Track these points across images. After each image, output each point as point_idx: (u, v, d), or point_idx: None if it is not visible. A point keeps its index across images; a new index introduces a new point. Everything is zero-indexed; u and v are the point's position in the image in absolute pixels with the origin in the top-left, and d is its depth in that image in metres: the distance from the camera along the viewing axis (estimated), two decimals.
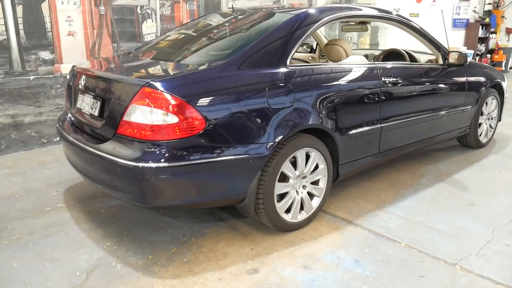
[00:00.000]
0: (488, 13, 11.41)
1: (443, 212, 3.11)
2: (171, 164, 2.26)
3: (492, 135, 4.76)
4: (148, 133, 2.28)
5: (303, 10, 2.99)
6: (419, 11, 9.28)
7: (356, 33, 7.84)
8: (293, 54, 2.74)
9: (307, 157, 2.78)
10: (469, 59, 3.81)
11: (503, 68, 11.32)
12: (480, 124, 4.48)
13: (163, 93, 2.24)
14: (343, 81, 2.95)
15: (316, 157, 2.81)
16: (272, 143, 2.51)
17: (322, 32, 4.85)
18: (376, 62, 3.26)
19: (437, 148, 4.56)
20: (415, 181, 3.71)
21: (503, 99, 4.73)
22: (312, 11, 3.00)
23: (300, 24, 2.85)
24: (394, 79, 3.26)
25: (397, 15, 3.61)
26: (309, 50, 5.11)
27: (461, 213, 3.11)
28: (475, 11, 11.01)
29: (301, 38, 2.79)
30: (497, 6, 11.71)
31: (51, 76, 4.60)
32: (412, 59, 4.14)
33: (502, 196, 3.40)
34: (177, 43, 3.25)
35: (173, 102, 2.24)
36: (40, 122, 4.59)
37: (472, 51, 10.59)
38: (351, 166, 3.15)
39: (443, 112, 3.83)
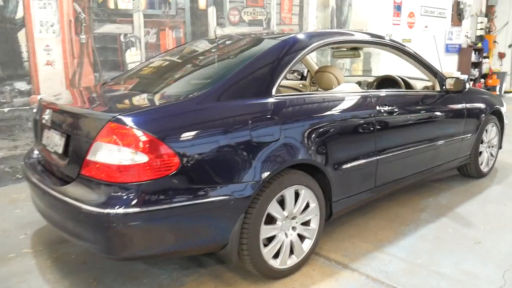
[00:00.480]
0: (480, 38, 11.40)
1: (448, 253, 2.83)
2: (141, 210, 1.99)
3: (493, 163, 4.52)
4: (115, 174, 2.01)
5: (291, 36, 2.78)
6: (411, 37, 9.20)
7: (348, 60, 7.70)
8: (279, 83, 2.51)
9: (297, 195, 2.52)
10: (467, 86, 3.60)
11: (498, 93, 11.22)
12: (480, 152, 4.25)
13: (132, 128, 1.99)
14: (334, 111, 2.71)
15: (306, 195, 2.55)
16: (256, 182, 2.25)
17: (313, 58, 4.66)
18: (370, 90, 3.04)
19: (437, 179, 4.31)
20: (415, 216, 3.44)
21: (503, 125, 4.51)
22: (300, 36, 2.79)
23: (288, 50, 2.63)
24: (390, 107, 3.03)
25: (391, 40, 3.42)
26: (300, 77, 4.92)
27: (467, 253, 2.83)
28: (467, 36, 10.99)
29: (288, 65, 2.57)
30: (489, 31, 11.72)
31: (27, 107, 4.35)
32: (408, 86, 3.94)
33: (509, 232, 3.14)
34: (155, 73, 3.02)
35: (142, 138, 1.98)
36: (15, 157, 4.31)
37: (466, 76, 10.49)
38: (346, 203, 2.89)
39: (442, 142, 3.60)
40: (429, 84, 3.87)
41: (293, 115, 2.48)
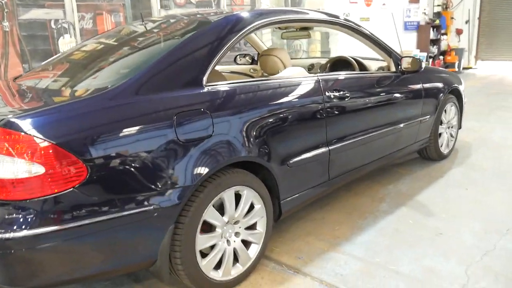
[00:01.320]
0: (438, 14, 11.35)
1: (408, 248, 2.62)
2: (46, 230, 1.66)
3: (454, 144, 4.37)
4: (10, 190, 1.65)
5: (224, 16, 2.45)
6: (369, 15, 9.00)
7: (305, 40, 7.42)
8: (211, 71, 2.18)
9: (238, 197, 2.22)
10: (423, 65, 3.37)
11: (456, 69, 11.25)
12: (440, 134, 4.07)
13: (25, 134, 1.63)
14: (277, 99, 2.41)
15: (249, 196, 2.25)
16: (185, 187, 1.93)
17: (265, 40, 4.33)
18: (318, 74, 2.75)
19: (398, 164, 4.11)
20: (374, 207, 3.22)
21: (462, 105, 4.35)
22: (236, 16, 2.46)
23: (220, 33, 2.30)
24: (341, 92, 2.76)
25: (344, 19, 3.12)
26: (250, 61, 4.59)
27: (428, 247, 2.62)
28: (425, 13, 10.91)
29: (220, 50, 2.24)
30: (446, 8, 11.69)
31: None
32: (362, 67, 3.68)
33: (471, 220, 2.95)
34: (70, 64, 2.62)
35: (39, 145, 1.63)
36: None
37: (425, 54, 10.44)
38: (297, 200, 2.61)
39: (400, 126, 3.37)
40: (384, 64, 3.62)
41: (229, 106, 2.16)
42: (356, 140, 2.94)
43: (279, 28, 3.55)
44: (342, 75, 2.94)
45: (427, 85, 3.67)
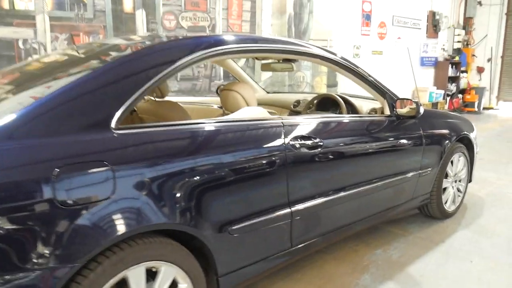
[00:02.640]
0: (458, 51, 10.79)
1: None
2: None
3: (462, 200, 3.75)
4: None
5: (158, 42, 1.99)
6: (382, 48, 8.51)
7: (309, 72, 6.94)
8: (124, 111, 1.68)
9: (154, 273, 1.69)
10: (422, 109, 2.82)
11: (476, 109, 10.60)
12: (445, 189, 3.47)
13: None
14: (217, 148, 1.89)
15: (169, 273, 1.72)
16: (66, 268, 1.42)
17: (238, 67, 3.85)
18: (282, 117, 2.22)
19: (393, 221, 3.51)
20: (354, 279, 2.63)
21: (473, 155, 3.75)
22: (174, 43, 1.99)
23: (146, 63, 1.81)
24: (312, 140, 2.23)
25: (322, 48, 2.61)
26: None
27: None
28: (444, 49, 10.36)
29: (142, 85, 1.75)
30: (467, 44, 11.13)
31: None
32: (352, 108, 3.15)
33: None
34: None
35: None
36: None
37: (442, 91, 9.85)
38: (243, 275, 2.06)
39: (392, 180, 2.81)
40: (377, 106, 3.08)
41: (142, 157, 1.65)
42: (330, 198, 2.39)
43: (256, 58, 3.08)
44: (315, 118, 2.41)
45: (429, 132, 3.10)
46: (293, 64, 3.06)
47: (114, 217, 1.53)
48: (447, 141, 3.28)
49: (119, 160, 1.58)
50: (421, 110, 2.77)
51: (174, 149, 1.76)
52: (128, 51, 1.95)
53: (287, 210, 2.16)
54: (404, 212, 3.31)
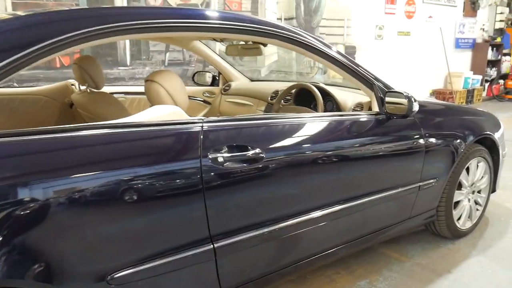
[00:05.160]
0: (500, 31, 9.66)
1: None
2: None
3: (481, 215, 3.04)
4: None
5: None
6: (410, 29, 7.63)
7: None
8: None
9: None
10: (416, 106, 2.11)
11: None
12: (458, 202, 2.78)
13: None
14: (92, 164, 1.34)
15: None
16: None
17: (212, 52, 3.26)
18: (205, 119, 1.61)
19: (390, 240, 2.85)
20: None
21: (499, 159, 3.01)
22: (33, 17, 1.42)
23: None
24: (247, 152, 1.62)
25: (272, 24, 1.94)
26: (211, 80, 3.54)
27: None
28: (483, 29, 9.30)
29: None
30: None
31: None
32: (334, 102, 2.51)
33: None
34: None
35: None
36: None
37: (480, 77, 8.87)
38: None
39: (374, 198, 2.16)
40: (365, 100, 2.41)
41: None
42: (280, 226, 1.79)
43: (215, 39, 2.49)
44: (255, 119, 1.78)
45: (433, 133, 2.42)
46: (261, 48, 2.46)
47: None
48: (460, 144, 2.58)
49: None
50: (415, 107, 2.08)
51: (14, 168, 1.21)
52: None
53: (208, 246, 1.58)
54: (397, 235, 2.66)
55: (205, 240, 1.57)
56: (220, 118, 1.65)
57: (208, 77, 3.53)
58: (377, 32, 7.08)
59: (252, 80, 3.53)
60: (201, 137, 1.54)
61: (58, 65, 4.19)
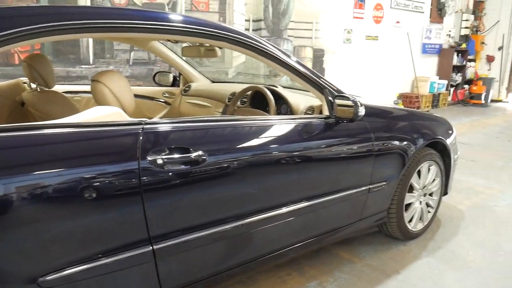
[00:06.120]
0: (465, 38, 9.95)
1: None
2: None
3: (433, 217, 3.12)
4: None
5: None
6: (378, 34, 7.77)
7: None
8: None
9: None
10: (362, 110, 2.15)
11: (483, 101, 9.80)
12: (409, 204, 2.85)
13: None
14: (23, 166, 1.32)
15: None
16: None
17: (171, 52, 3.25)
18: (146, 120, 1.61)
19: (343, 241, 2.90)
20: None
21: (450, 163, 3.10)
22: None
23: None
24: (188, 154, 1.63)
25: (220, 26, 1.94)
26: (171, 80, 3.53)
27: None
28: (449, 35, 9.55)
29: None
30: (477, 31, 10.27)
31: None
32: (287, 105, 2.54)
33: None
34: None
35: None
36: None
37: (445, 81, 9.10)
38: None
39: (321, 201, 2.19)
40: (316, 103, 2.45)
41: None
42: (221, 229, 1.79)
43: (169, 40, 2.48)
44: (199, 121, 1.78)
45: (383, 137, 2.47)
46: (217, 49, 2.47)
47: None
48: (410, 148, 2.64)
49: None
50: (361, 111, 2.12)
51: None
52: None
53: (146, 248, 1.58)
54: (346, 237, 2.70)
55: (144, 242, 1.57)
56: (162, 120, 1.65)
57: (169, 78, 3.51)
58: (346, 36, 7.18)
59: (213, 82, 3.53)
60: (141, 138, 1.53)
61: (16, 62, 4.09)
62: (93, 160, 1.44)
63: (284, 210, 2.02)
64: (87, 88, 3.14)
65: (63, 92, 2.83)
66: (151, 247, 1.58)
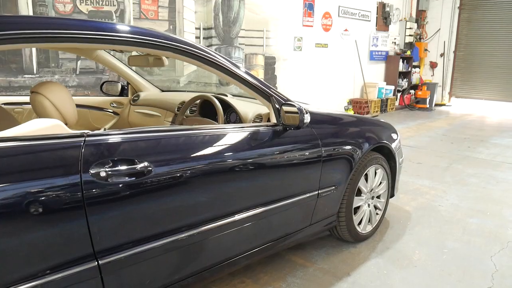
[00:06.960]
0: (410, 45, 10.40)
1: None
2: None
3: (381, 219, 3.22)
4: None
5: None
6: (327, 41, 7.98)
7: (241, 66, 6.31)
8: None
9: None
10: (307, 118, 2.20)
11: (427, 106, 10.26)
12: (358, 207, 2.94)
13: None
14: None
15: None
16: None
17: (118, 61, 3.19)
18: (88, 132, 1.57)
19: (296, 246, 2.94)
20: None
21: (396, 166, 3.22)
22: None
23: None
24: (133, 166, 1.60)
25: (164, 36, 1.93)
26: (119, 90, 3.46)
27: None
28: (395, 43, 9.95)
29: None
30: (420, 38, 10.76)
31: None
32: (235, 114, 2.55)
33: None
34: None
35: None
36: None
37: (392, 87, 9.45)
38: None
39: (274, 206, 2.22)
40: (265, 111, 2.48)
41: None
42: (170, 240, 1.77)
43: (115, 50, 2.43)
44: (144, 132, 1.76)
45: (330, 143, 2.54)
46: (164, 59, 2.44)
47: None
48: (357, 152, 2.73)
49: None
50: (306, 118, 2.17)
51: None
52: None
53: (91, 264, 1.53)
54: (298, 242, 2.75)
55: (89, 257, 1.52)
56: (105, 131, 1.62)
57: (117, 87, 3.44)
58: (296, 44, 7.32)
59: (162, 91, 3.49)
60: (82, 151, 1.49)
61: None
62: (33, 175, 1.38)
63: (235, 217, 2.02)
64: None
65: (2, 104, 2.72)
66: (96, 263, 1.54)
